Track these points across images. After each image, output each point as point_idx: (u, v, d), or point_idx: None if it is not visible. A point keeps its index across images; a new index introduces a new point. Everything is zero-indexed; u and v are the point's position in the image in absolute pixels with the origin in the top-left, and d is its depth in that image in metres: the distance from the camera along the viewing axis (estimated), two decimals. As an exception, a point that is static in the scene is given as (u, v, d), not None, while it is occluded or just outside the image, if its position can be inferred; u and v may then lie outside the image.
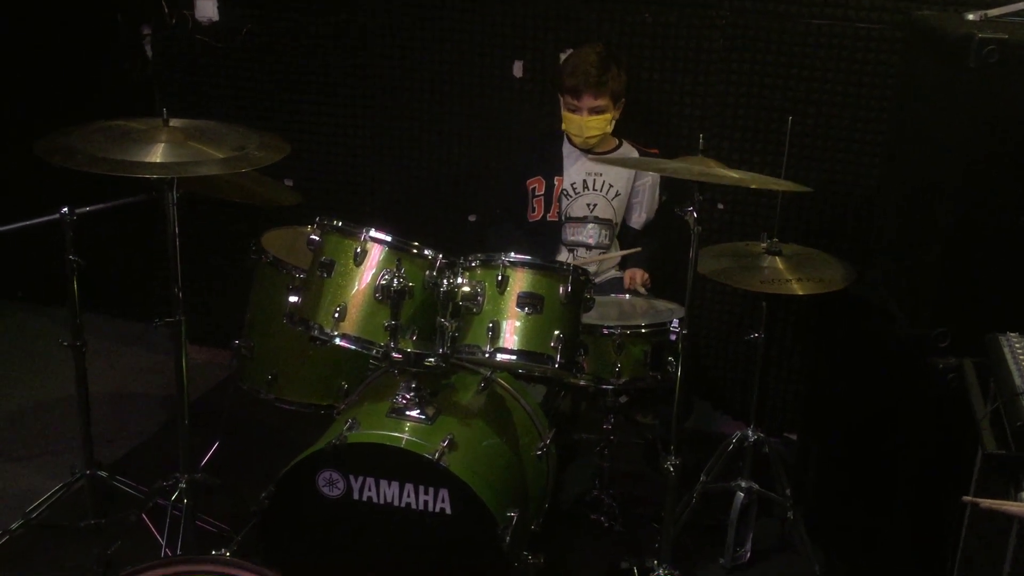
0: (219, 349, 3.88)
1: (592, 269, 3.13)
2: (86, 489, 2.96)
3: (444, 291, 2.42)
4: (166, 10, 3.83)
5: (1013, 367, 1.98)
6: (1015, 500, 1.76)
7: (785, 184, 2.62)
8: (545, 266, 2.46)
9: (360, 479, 2.40)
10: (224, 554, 2.50)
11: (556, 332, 2.41)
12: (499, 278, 2.41)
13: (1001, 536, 1.83)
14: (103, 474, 2.97)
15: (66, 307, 2.82)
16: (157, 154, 2.41)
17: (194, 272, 2.63)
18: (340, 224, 2.49)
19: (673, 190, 3.33)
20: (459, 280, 2.43)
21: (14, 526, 2.86)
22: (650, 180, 3.31)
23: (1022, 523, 1.77)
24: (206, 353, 3.98)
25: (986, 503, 1.72)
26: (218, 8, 3.80)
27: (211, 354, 3.97)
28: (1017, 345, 2.07)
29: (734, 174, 2.51)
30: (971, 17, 2.44)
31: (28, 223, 2.77)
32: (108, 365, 4.00)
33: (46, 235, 2.76)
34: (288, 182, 3.83)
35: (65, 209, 2.72)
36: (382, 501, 2.41)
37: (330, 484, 2.42)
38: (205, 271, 3.98)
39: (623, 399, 3.03)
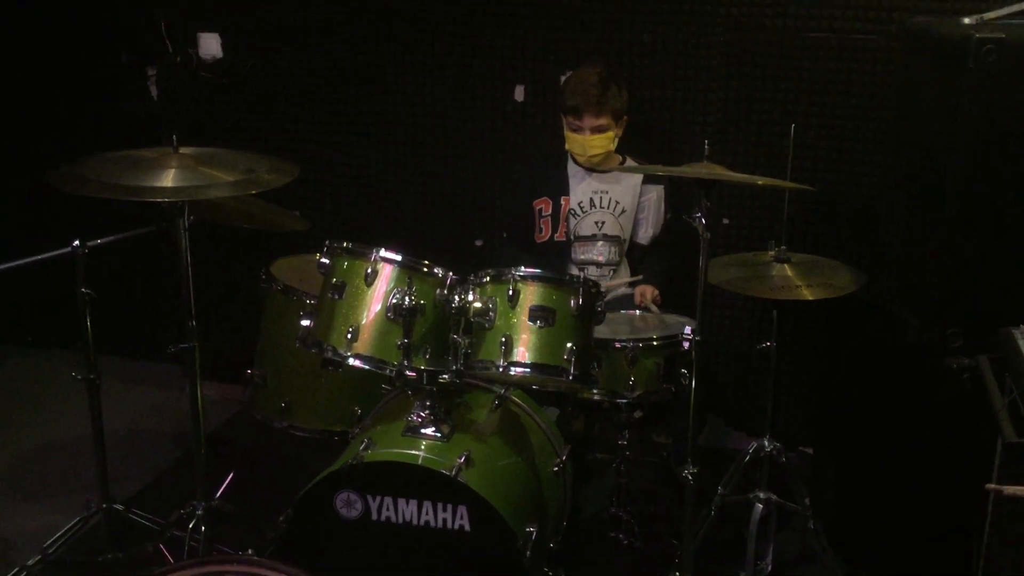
0: (231, 384, 3.87)
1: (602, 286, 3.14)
2: (103, 523, 2.94)
3: (456, 308, 2.43)
4: (170, 49, 3.88)
5: (1029, 357, 1.98)
6: (1038, 487, 1.76)
7: (790, 183, 2.64)
8: (556, 279, 2.47)
9: (378, 499, 2.39)
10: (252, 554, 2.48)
11: (569, 344, 2.41)
12: (510, 292, 2.41)
13: (1026, 523, 1.83)
14: (119, 507, 2.95)
15: (76, 347, 2.81)
16: (168, 179, 2.43)
17: (203, 305, 2.64)
18: (350, 246, 2.50)
19: (679, 205, 3.35)
20: (470, 296, 2.44)
21: (31, 562, 2.84)
22: (655, 195, 3.33)
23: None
24: (218, 388, 3.96)
25: (1010, 490, 1.71)
26: (222, 45, 3.86)
27: (223, 389, 3.95)
28: (1031, 337, 2.08)
29: (740, 175, 2.52)
30: (967, 21, 2.47)
31: (40, 257, 2.77)
32: (119, 403, 3.98)
33: (52, 277, 2.77)
34: (295, 214, 3.85)
35: (76, 243, 2.73)
36: (401, 520, 2.39)
37: (348, 505, 2.41)
38: (214, 304, 3.98)
39: (637, 414, 3.02)
